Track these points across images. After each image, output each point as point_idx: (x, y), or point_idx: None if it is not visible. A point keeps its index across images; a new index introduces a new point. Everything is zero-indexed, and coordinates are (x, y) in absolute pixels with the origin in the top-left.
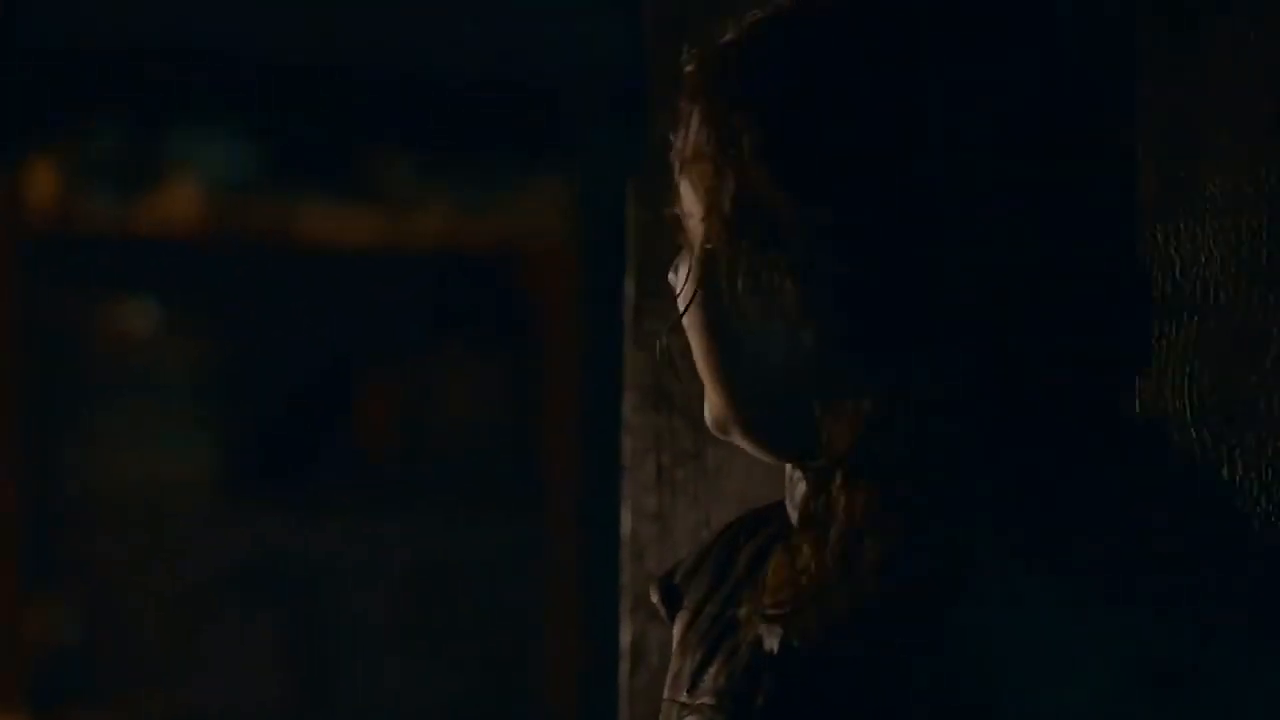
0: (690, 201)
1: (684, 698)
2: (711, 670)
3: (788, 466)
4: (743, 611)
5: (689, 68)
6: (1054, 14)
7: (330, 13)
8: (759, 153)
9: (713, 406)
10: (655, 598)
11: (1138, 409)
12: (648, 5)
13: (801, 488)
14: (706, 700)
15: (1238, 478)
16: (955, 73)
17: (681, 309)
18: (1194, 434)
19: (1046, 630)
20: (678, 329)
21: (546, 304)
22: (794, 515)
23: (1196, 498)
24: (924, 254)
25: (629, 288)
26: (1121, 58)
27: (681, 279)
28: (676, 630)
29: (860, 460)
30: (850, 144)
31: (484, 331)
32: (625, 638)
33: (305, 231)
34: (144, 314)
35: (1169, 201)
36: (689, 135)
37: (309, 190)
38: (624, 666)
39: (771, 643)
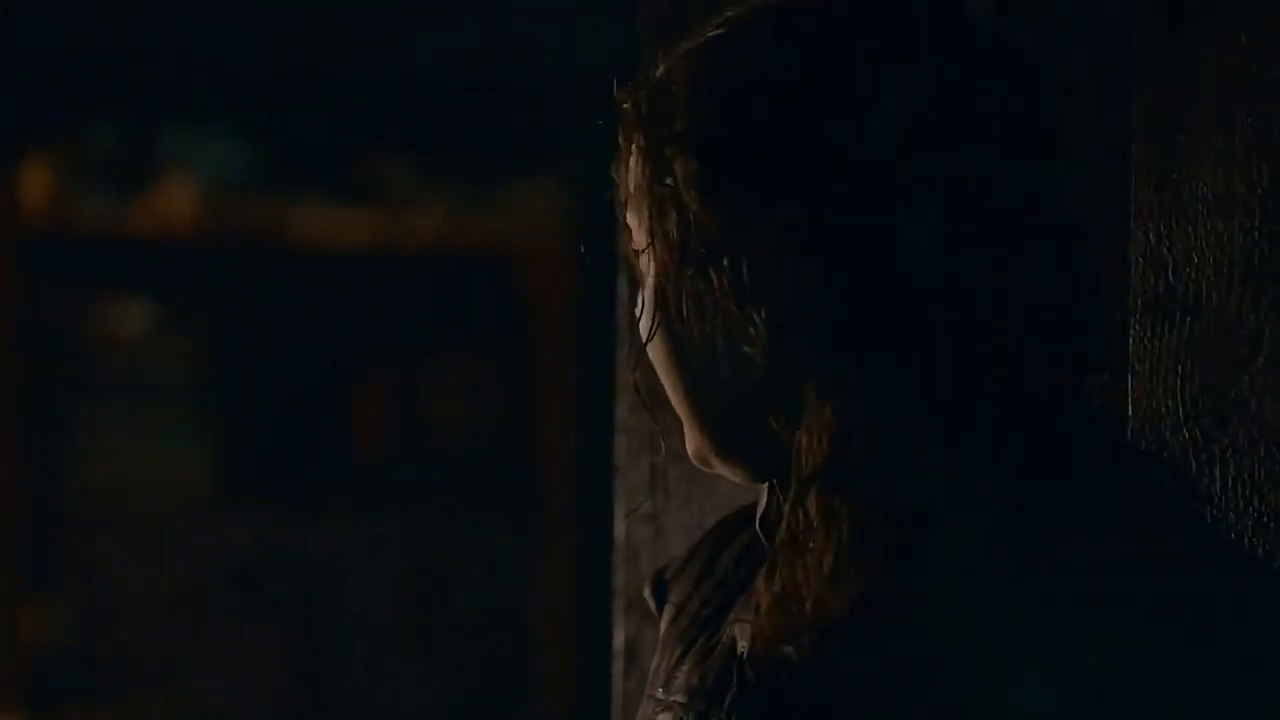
0: (638, 235)
1: (659, 693)
2: (685, 668)
3: None
4: (720, 613)
5: (624, 104)
6: (994, 21)
7: (328, 13)
8: (692, 182)
9: (691, 439)
10: (647, 593)
11: (1129, 410)
12: (644, 6)
13: (764, 498)
14: (678, 698)
15: (1230, 478)
16: (880, 87)
17: (643, 344)
18: (1186, 434)
19: (1022, 634)
20: (646, 365)
21: (542, 304)
22: (757, 523)
23: (1185, 499)
24: (860, 266)
25: (623, 289)
26: (1117, 56)
27: (639, 314)
28: (662, 626)
29: (828, 473)
30: (779, 167)
31: (480, 332)
32: (619, 639)
33: (302, 231)
34: (141, 314)
35: (1162, 201)
36: (629, 171)
37: (306, 190)
38: (617, 667)
39: (743, 645)
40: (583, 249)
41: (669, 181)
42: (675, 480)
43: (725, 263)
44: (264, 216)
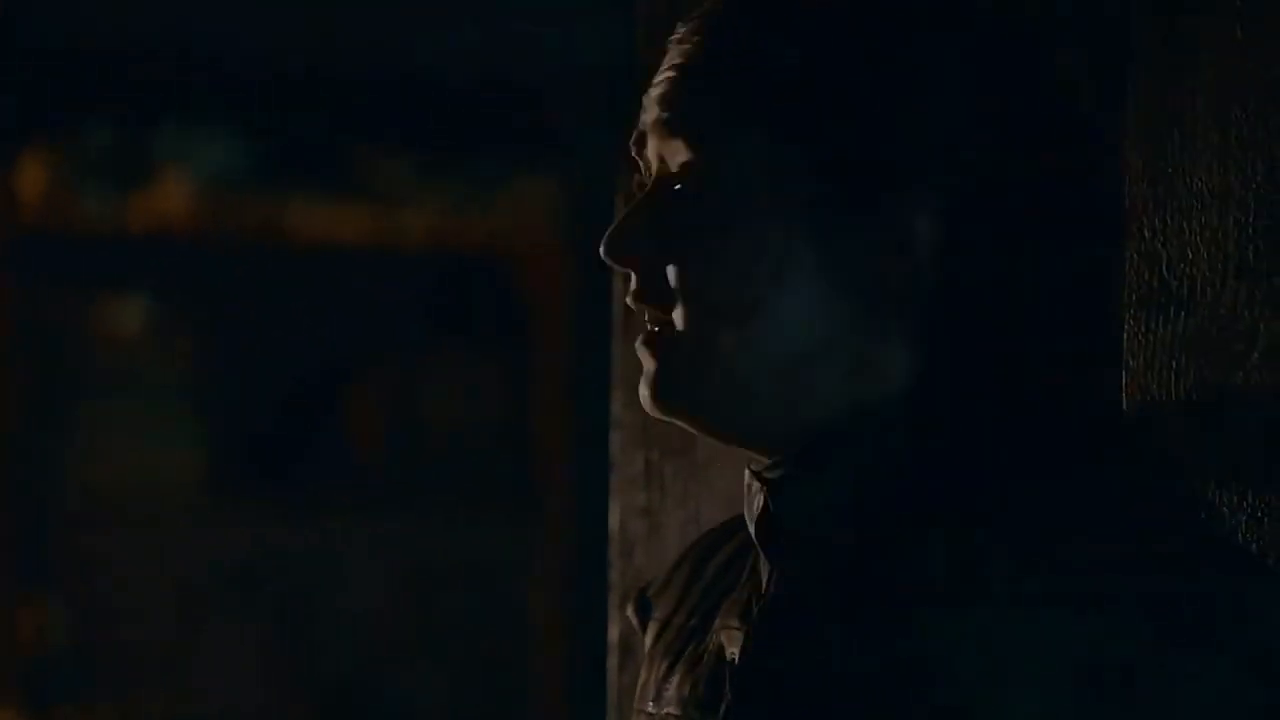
0: (699, 170)
1: (650, 707)
2: (675, 679)
3: (746, 475)
4: (705, 623)
5: (685, 32)
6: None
7: (326, 12)
8: (785, 134)
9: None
10: (630, 611)
11: (1124, 405)
12: (640, 6)
13: (760, 500)
14: (671, 709)
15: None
16: (880, 86)
17: (673, 269)
18: (1180, 429)
19: (1022, 634)
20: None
21: (538, 302)
22: (751, 527)
23: (1184, 498)
24: (864, 263)
25: (619, 288)
26: (1114, 54)
27: (675, 243)
28: (646, 642)
29: (849, 453)
30: (892, 130)
31: (478, 331)
32: (613, 633)
33: (299, 230)
34: (140, 313)
35: (1157, 196)
36: (698, 101)
37: (303, 188)
38: (612, 661)
39: (732, 651)
40: (582, 248)
41: (756, 120)
42: (671, 476)
43: (749, 227)
44: (263, 216)
